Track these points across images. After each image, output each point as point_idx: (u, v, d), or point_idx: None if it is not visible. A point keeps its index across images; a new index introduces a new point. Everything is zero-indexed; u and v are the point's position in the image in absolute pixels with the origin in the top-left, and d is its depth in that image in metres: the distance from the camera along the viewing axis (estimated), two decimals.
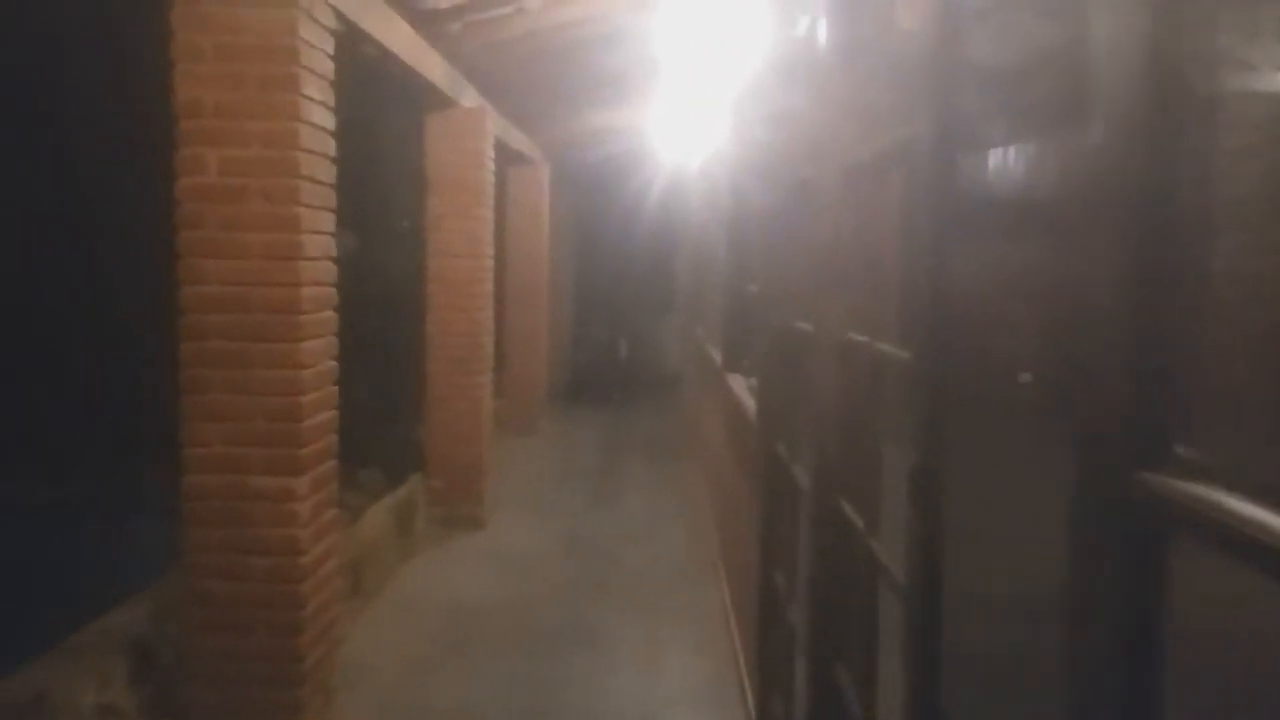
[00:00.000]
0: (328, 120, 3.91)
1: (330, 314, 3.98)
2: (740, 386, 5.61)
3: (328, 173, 3.92)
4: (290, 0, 3.62)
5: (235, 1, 3.64)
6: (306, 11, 3.70)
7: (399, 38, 5.64)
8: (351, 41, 5.49)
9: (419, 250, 7.43)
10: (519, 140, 9.77)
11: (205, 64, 3.66)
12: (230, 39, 3.65)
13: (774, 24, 4.09)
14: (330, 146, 3.94)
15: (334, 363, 4.03)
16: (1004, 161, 1.89)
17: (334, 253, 4.00)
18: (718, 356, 7.02)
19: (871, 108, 2.71)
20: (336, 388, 4.06)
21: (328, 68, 3.90)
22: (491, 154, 7.59)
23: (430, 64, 6.38)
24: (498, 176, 9.88)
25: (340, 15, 4.48)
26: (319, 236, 3.84)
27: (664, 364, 15.83)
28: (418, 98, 7.08)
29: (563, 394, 13.98)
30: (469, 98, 7.36)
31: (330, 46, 3.94)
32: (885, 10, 2.70)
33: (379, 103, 7.68)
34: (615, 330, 15.59)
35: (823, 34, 2.89)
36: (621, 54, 8.12)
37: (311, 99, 3.74)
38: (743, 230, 6.07)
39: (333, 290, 4.00)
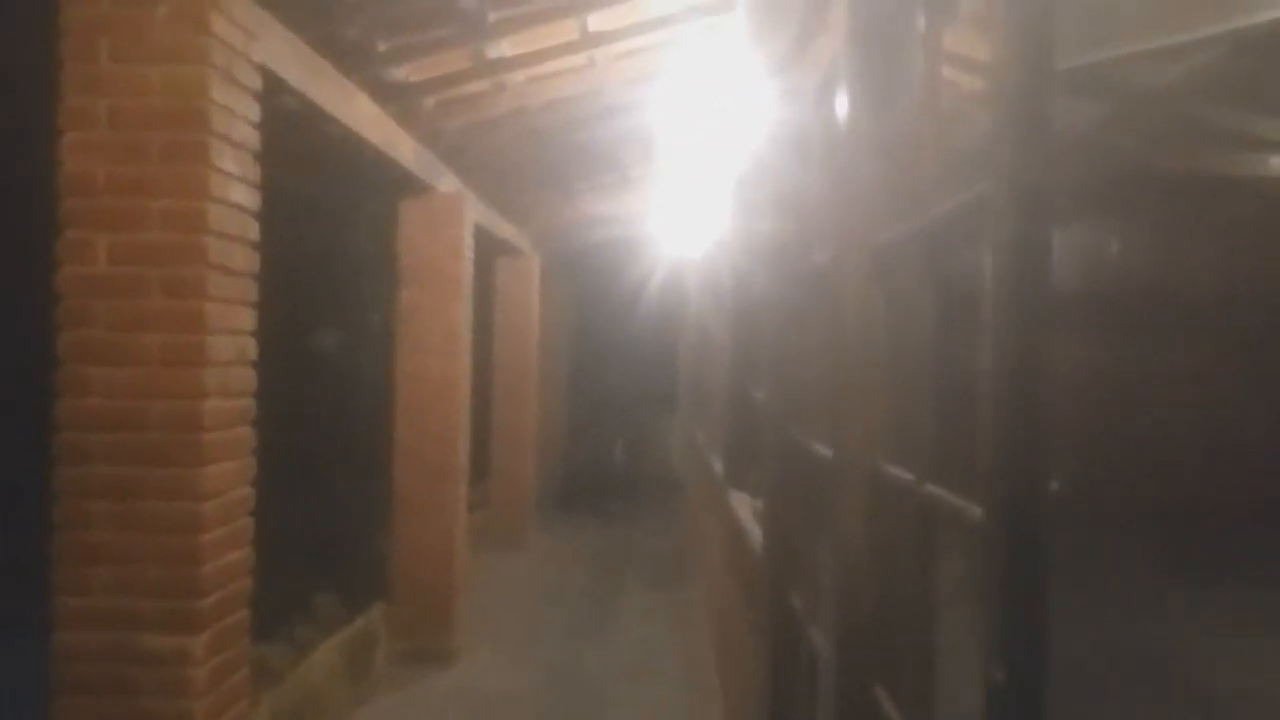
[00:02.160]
0: (248, 199, 3.28)
1: (245, 430, 3.29)
2: (744, 507, 4.89)
3: (246, 261, 3.27)
4: (201, 55, 3.02)
5: (137, 58, 3.04)
6: (223, 70, 3.09)
7: (362, 115, 5.09)
8: (313, 121, 4.95)
9: (389, 347, 6.78)
10: (506, 229, 9.21)
11: (98, 131, 3.04)
12: (129, 102, 3.04)
13: (780, 98, 3.49)
14: (251, 230, 3.30)
15: (249, 489, 3.33)
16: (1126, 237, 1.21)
17: (253, 356, 3.33)
18: (719, 467, 6.32)
19: (911, 175, 2.08)
20: (251, 519, 3.35)
21: (249, 137, 3.28)
22: (471, 243, 6.99)
23: (401, 145, 5.83)
24: (484, 268, 9.32)
25: (282, 83, 3.91)
26: (231, 337, 3.17)
27: (666, 466, 15.02)
28: (390, 182, 6.51)
29: (555, 501, 13.14)
30: (447, 182, 6.80)
31: (255, 113, 3.32)
32: (920, 71, 2.12)
33: (348, 187, 7.12)
34: (613, 430, 14.81)
35: (844, 104, 2.29)
36: (616, 134, 7.61)
37: (226, 173, 3.11)
38: (747, 326, 5.42)
39: (249, 402, 3.32)
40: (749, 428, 5.37)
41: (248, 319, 3.29)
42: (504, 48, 5.49)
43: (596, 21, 5.49)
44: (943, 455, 1.79)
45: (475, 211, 7.38)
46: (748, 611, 4.26)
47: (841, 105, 2.32)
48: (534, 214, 10.02)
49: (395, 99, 5.61)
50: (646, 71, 6.44)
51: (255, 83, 3.33)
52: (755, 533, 4.20)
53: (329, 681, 5.39)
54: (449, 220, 6.79)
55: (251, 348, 3.32)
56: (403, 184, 6.51)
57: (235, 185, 3.17)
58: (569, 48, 5.76)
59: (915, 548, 1.80)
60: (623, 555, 10.70)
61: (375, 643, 6.30)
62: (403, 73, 5.45)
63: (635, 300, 13.48)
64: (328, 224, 7.55)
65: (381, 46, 5.05)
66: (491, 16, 5.04)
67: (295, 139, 5.82)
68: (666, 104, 6.53)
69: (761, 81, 3.98)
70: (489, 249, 9.47)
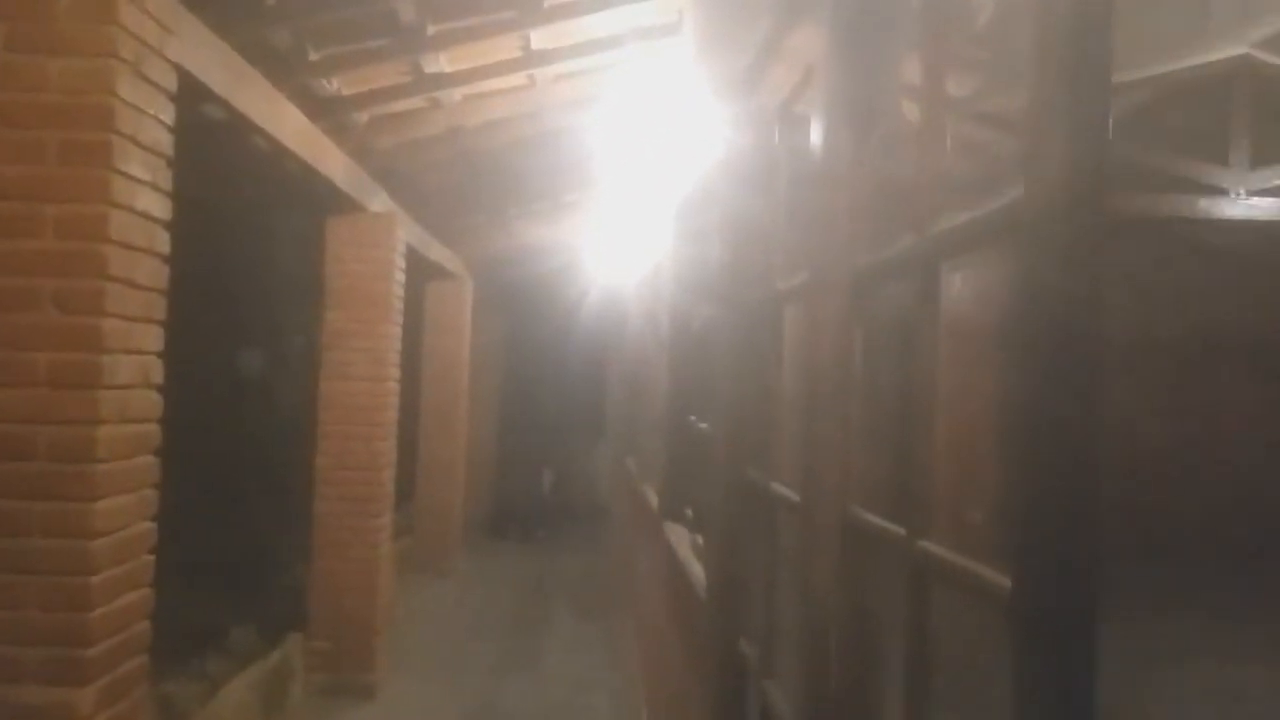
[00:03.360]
0: (158, 207, 3.00)
1: (146, 460, 2.99)
2: (683, 542, 4.67)
3: (153, 276, 2.98)
4: (107, 47, 2.74)
5: (35, 49, 2.76)
6: (131, 65, 2.82)
7: (290, 128, 4.82)
8: (238, 131, 4.67)
9: (313, 370, 6.46)
10: (439, 253, 8.94)
11: None
12: (24, 97, 2.76)
13: (733, 122, 3.31)
14: (159, 241, 3.02)
15: (149, 524, 3.03)
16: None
17: (158, 379, 3.03)
18: (654, 499, 6.10)
19: (898, 196, 1.92)
20: (152, 557, 3.05)
21: (161, 140, 3.00)
22: (402, 265, 6.72)
23: (331, 161, 5.55)
24: (415, 291, 9.02)
25: (205, 89, 3.64)
26: (134, 358, 2.88)
27: (594, 494, 14.79)
28: (318, 199, 6.22)
29: (483, 527, 12.85)
30: (378, 202, 6.52)
31: (168, 114, 3.05)
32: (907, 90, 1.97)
33: (273, 202, 6.82)
34: (542, 457, 14.55)
35: (821, 124, 2.12)
36: (553, 158, 7.41)
37: (132, 177, 2.83)
38: (689, 355, 5.23)
39: (152, 429, 3.02)
40: (688, 459, 5.16)
41: (153, 338, 3.00)
42: (442, 63, 5.26)
43: (539, 39, 5.29)
44: (936, 506, 1.59)
45: (407, 233, 7.11)
46: (688, 653, 4.04)
47: (817, 126, 2.14)
48: (467, 238, 9.78)
49: (326, 112, 5.35)
50: (587, 94, 6.27)
51: (169, 82, 3.06)
52: (697, 571, 3.98)
53: (241, 719, 5.05)
54: (379, 241, 6.51)
55: (157, 370, 3.03)
56: (331, 201, 6.22)
57: (143, 191, 2.89)
58: (509, 65, 5.55)
59: (906, 611, 1.59)
60: (550, 582, 10.44)
61: (291, 676, 5.97)
62: (335, 85, 5.19)
63: (567, 327, 13.28)
64: (250, 240, 7.22)
65: (313, 55, 4.79)
66: (431, 29, 4.81)
67: (218, 149, 5.52)
68: (606, 129, 6.36)
69: (710, 106, 3.81)
70: (420, 272, 9.19)
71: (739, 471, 3.01)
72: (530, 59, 5.44)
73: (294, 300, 7.22)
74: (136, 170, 2.85)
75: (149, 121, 2.92)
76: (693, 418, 4.94)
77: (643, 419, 8.31)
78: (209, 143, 5.38)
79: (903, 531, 1.61)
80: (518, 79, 5.81)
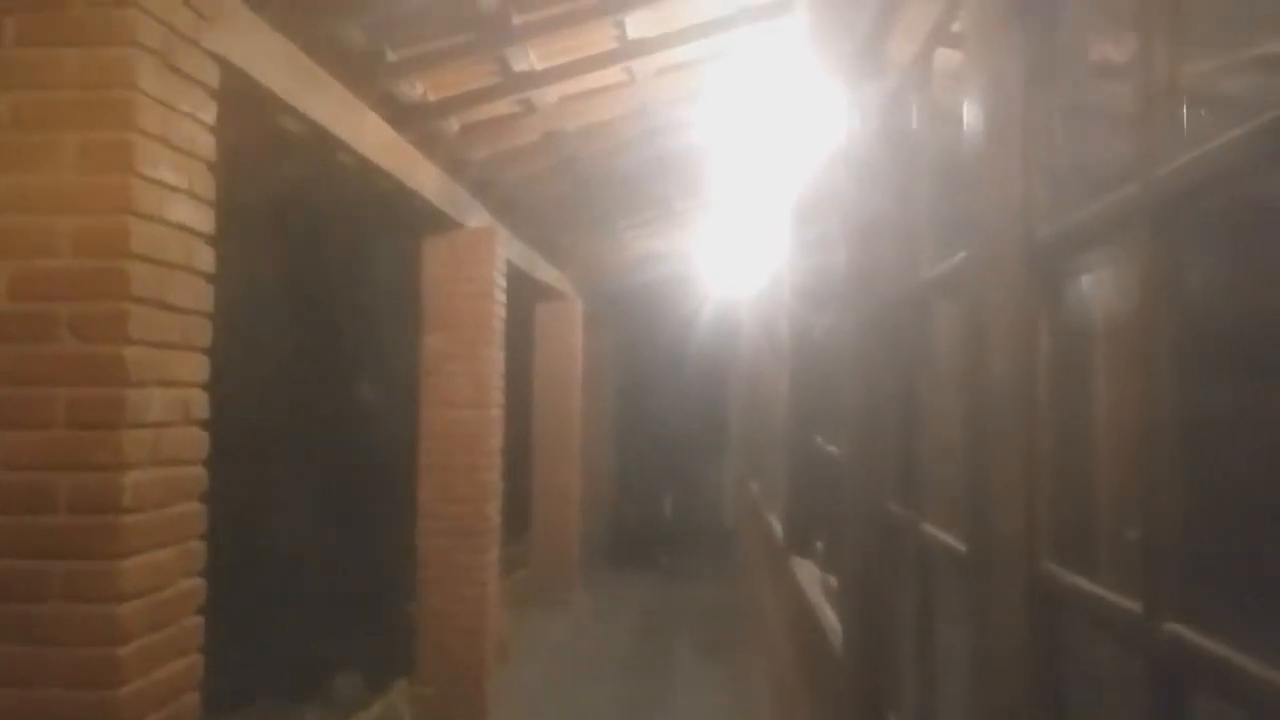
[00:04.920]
0: (197, 219, 2.62)
1: (190, 508, 2.61)
2: (813, 582, 4.13)
3: (192, 296, 2.61)
4: (126, 34, 2.38)
5: (49, 40, 2.42)
6: (158, 55, 2.45)
7: (374, 139, 4.48)
8: (318, 146, 4.36)
9: (413, 398, 6.13)
10: (546, 272, 8.56)
11: (1, 132, 2.42)
12: (40, 95, 2.41)
13: (862, 96, 2.79)
14: (199, 257, 2.64)
15: (195, 580, 2.64)
16: None
17: (202, 414, 2.65)
18: (779, 529, 5.55)
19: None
20: (200, 618, 2.66)
21: (198, 143, 2.63)
22: (503, 283, 6.34)
23: (422, 175, 5.21)
24: (524, 313, 8.68)
25: (271, 96, 3.30)
26: (168, 391, 2.50)
27: (718, 516, 14.19)
28: (412, 218, 5.89)
29: (602, 554, 12.33)
30: (476, 217, 6.16)
31: (208, 113, 2.68)
32: None
33: (362, 223, 6.54)
34: (662, 479, 14.03)
35: (980, 78, 1.60)
36: (660, 162, 6.96)
37: (160, 183, 2.46)
38: (811, 369, 4.69)
39: (195, 472, 2.64)
40: (815, 486, 4.62)
41: (194, 368, 2.62)
42: (532, 59, 4.86)
43: (636, 26, 4.83)
44: (1194, 574, 1.05)
45: (510, 250, 6.74)
46: (823, 716, 3.49)
47: (975, 84, 1.63)
48: (575, 255, 9.40)
49: (413, 121, 5.00)
50: (692, 89, 5.80)
51: (209, 76, 2.69)
52: (830, 618, 3.45)
53: None
54: (478, 258, 6.15)
55: (200, 403, 2.65)
56: (426, 220, 5.89)
57: (176, 200, 2.52)
58: (604, 59, 5.12)
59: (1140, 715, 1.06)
60: (673, 616, 9.91)
61: None
62: (419, 89, 4.84)
63: (683, 342, 12.80)
64: (342, 263, 6.95)
65: (391, 56, 4.44)
66: (516, 19, 4.41)
67: (304, 169, 5.24)
68: (715, 127, 5.89)
69: (827, 87, 3.30)
70: (528, 293, 8.85)
71: (877, 505, 2.47)
72: (627, 49, 4.99)
73: (393, 324, 6.93)
74: (166, 175, 2.49)
75: (181, 120, 2.55)
76: (819, 439, 4.40)
77: (764, 439, 7.76)
78: (293, 162, 5.11)
79: (1138, 608, 1.07)
80: (615, 74, 5.37)
